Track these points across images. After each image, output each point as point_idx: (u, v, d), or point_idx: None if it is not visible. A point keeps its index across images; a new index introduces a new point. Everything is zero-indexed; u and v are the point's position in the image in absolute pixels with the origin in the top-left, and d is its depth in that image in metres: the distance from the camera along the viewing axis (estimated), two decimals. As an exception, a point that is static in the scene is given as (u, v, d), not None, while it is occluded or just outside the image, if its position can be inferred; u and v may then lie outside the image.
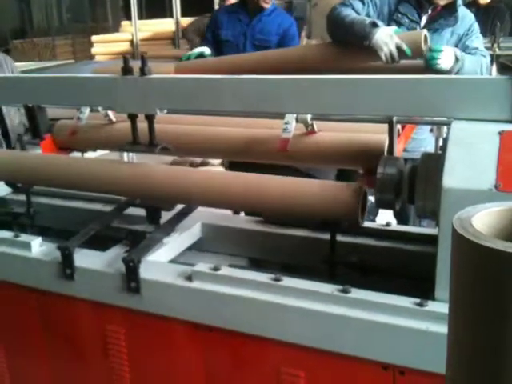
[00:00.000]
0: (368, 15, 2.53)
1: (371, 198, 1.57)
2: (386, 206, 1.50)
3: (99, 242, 1.75)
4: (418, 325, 1.25)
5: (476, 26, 2.65)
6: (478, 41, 2.65)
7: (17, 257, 1.75)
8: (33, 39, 11.93)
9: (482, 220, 0.57)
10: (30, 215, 2.13)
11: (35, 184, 2.10)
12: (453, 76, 2.18)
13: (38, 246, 1.76)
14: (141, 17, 10.08)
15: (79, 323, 1.75)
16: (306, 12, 7.48)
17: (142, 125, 1.74)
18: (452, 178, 1.20)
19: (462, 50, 2.47)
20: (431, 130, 2.80)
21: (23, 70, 4.35)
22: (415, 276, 1.56)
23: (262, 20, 3.41)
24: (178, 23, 9.16)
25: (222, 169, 3.52)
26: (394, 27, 2.39)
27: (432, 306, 1.26)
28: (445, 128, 2.18)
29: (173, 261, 1.73)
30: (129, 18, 9.88)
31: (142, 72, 1.66)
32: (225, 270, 1.50)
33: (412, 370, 1.27)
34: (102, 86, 1.80)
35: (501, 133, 1.24)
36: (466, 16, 2.65)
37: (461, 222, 0.55)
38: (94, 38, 9.67)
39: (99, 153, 2.41)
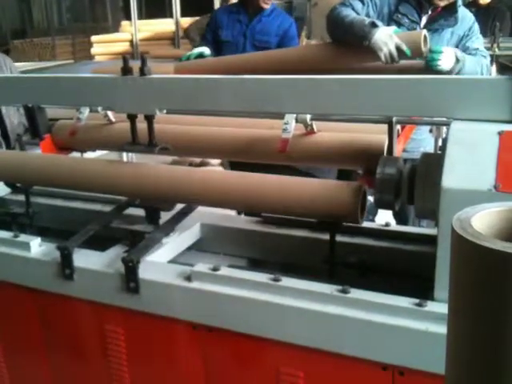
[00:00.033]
0: (368, 15, 2.53)
1: (370, 198, 1.57)
2: (386, 206, 1.50)
3: (98, 242, 1.74)
4: (418, 325, 1.25)
5: (476, 27, 2.65)
6: (478, 41, 2.66)
7: (16, 257, 1.75)
8: (32, 39, 11.91)
9: (482, 220, 0.57)
10: (29, 215, 2.13)
11: (34, 184, 2.10)
12: (452, 76, 2.18)
13: (37, 246, 1.76)
14: (140, 17, 10.08)
15: (78, 323, 1.75)
16: (305, 12, 7.49)
17: (142, 125, 1.74)
18: (451, 178, 1.20)
19: (463, 51, 2.47)
20: (430, 131, 2.80)
21: (23, 70, 4.34)
22: (415, 276, 1.56)
23: (261, 20, 3.41)
24: (177, 23, 9.16)
25: (221, 169, 3.52)
26: (393, 27, 2.39)
27: (431, 307, 1.26)
28: (444, 128, 2.18)
29: (172, 261, 1.73)
30: (128, 18, 9.88)
31: (142, 72, 1.66)
32: (224, 271, 1.50)
33: (411, 371, 1.27)
34: (101, 86, 1.80)
35: (500, 133, 1.24)
36: (466, 17, 2.65)
37: (460, 223, 0.55)
38: (94, 38, 9.67)
39: (99, 153, 2.41)
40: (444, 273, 1.16)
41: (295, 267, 1.74)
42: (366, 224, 1.63)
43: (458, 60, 2.34)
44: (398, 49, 2.25)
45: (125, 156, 2.99)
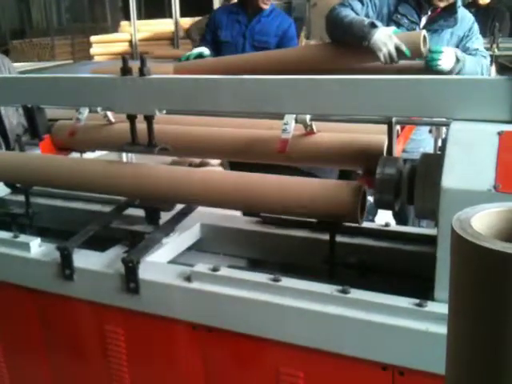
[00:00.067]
0: (367, 16, 2.53)
1: (370, 199, 1.57)
2: (385, 207, 1.50)
3: (98, 243, 1.74)
4: (418, 325, 1.25)
5: (476, 28, 2.65)
6: (478, 42, 2.66)
7: (16, 257, 1.75)
8: (32, 39, 11.91)
9: (481, 221, 0.57)
10: (28, 216, 2.13)
11: (34, 184, 2.10)
12: (452, 76, 2.19)
13: (37, 247, 1.76)
14: (140, 17, 10.09)
15: (78, 324, 1.75)
16: (305, 12, 7.50)
17: (141, 125, 1.74)
18: (451, 178, 1.20)
19: (463, 52, 2.47)
20: (430, 131, 2.80)
21: (22, 71, 4.34)
22: (414, 276, 1.56)
23: (260, 21, 3.41)
24: (177, 23, 9.18)
25: (221, 169, 3.52)
26: (393, 28, 2.39)
27: (431, 307, 1.26)
28: (444, 129, 2.18)
29: (172, 261, 1.73)
30: (128, 18, 9.89)
31: (141, 72, 1.66)
32: (224, 271, 1.50)
33: (411, 371, 1.27)
34: (100, 86, 1.80)
35: (500, 133, 1.24)
36: (465, 17, 2.66)
37: (460, 223, 0.55)
38: (93, 38, 9.67)
39: (98, 153, 2.41)
40: (444, 273, 1.16)
41: (295, 267, 1.74)
42: (365, 224, 1.63)
43: (458, 60, 2.34)
44: (398, 49, 2.25)
45: (124, 156, 2.98)
